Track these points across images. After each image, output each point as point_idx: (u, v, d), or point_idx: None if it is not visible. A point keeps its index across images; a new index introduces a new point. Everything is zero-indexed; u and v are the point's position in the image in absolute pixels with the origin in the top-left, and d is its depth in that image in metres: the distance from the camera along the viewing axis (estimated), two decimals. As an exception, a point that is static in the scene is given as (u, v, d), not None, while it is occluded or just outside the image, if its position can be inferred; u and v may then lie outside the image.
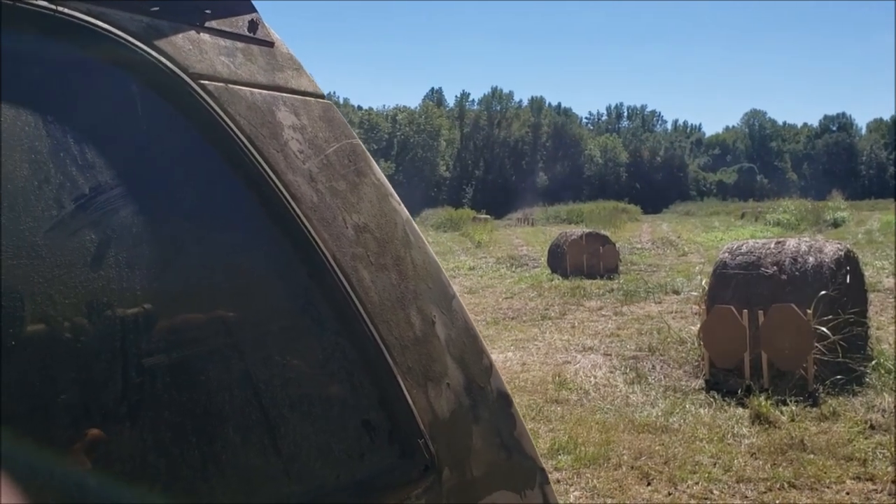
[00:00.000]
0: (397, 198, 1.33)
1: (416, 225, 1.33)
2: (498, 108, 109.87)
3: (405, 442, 1.13)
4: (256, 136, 1.11)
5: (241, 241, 1.09)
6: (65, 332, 0.85)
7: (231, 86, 1.11)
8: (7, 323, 0.80)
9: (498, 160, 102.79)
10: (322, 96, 1.29)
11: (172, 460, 0.89)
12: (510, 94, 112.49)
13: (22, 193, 0.85)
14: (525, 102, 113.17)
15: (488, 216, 45.72)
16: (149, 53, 1.01)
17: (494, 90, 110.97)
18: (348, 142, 1.27)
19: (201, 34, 1.12)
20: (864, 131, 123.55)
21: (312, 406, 1.06)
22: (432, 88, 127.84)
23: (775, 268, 8.14)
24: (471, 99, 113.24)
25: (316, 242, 1.11)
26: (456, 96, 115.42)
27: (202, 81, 1.07)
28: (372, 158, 1.31)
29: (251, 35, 1.21)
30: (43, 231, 0.86)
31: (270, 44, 1.24)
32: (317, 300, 1.12)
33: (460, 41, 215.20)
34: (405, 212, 1.33)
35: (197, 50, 1.09)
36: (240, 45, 1.18)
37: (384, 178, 1.33)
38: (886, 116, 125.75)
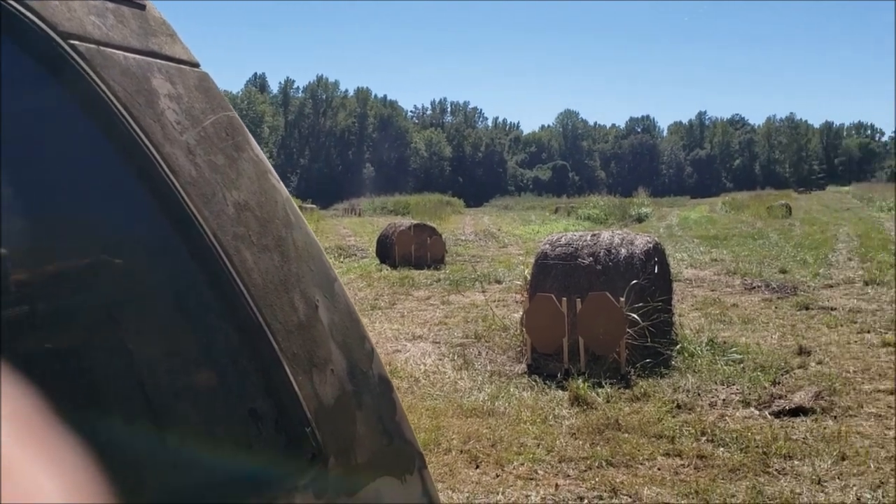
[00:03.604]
0: (276, 175, 1.27)
1: (295, 204, 1.28)
2: (324, 96, 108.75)
3: (292, 430, 1.09)
4: (132, 103, 1.01)
5: (118, 217, 0.99)
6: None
7: (103, 48, 1.01)
8: None
9: (324, 149, 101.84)
10: (197, 65, 1.20)
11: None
12: (336, 84, 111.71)
13: None
14: (351, 92, 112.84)
15: (314, 206, 45.17)
16: (12, 6, 0.89)
17: (320, 78, 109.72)
18: (225, 114, 1.19)
19: None
20: (665, 133, 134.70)
21: (198, 394, 0.99)
22: (255, 74, 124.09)
23: (591, 258, 8.64)
24: (295, 86, 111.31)
25: (196, 220, 1.03)
26: (280, 83, 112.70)
27: (72, 42, 0.96)
28: (249, 133, 1.25)
29: (120, -5, 1.11)
30: None
31: (142, 6, 1.14)
32: (199, 282, 1.04)
33: (285, 27, 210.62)
34: (284, 190, 1.27)
35: (65, 7, 0.98)
36: (110, 5, 1.07)
37: (262, 154, 1.26)
38: (685, 120, 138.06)
